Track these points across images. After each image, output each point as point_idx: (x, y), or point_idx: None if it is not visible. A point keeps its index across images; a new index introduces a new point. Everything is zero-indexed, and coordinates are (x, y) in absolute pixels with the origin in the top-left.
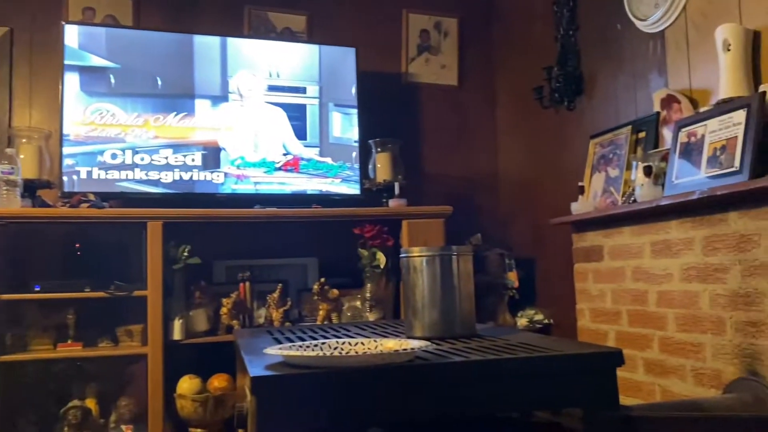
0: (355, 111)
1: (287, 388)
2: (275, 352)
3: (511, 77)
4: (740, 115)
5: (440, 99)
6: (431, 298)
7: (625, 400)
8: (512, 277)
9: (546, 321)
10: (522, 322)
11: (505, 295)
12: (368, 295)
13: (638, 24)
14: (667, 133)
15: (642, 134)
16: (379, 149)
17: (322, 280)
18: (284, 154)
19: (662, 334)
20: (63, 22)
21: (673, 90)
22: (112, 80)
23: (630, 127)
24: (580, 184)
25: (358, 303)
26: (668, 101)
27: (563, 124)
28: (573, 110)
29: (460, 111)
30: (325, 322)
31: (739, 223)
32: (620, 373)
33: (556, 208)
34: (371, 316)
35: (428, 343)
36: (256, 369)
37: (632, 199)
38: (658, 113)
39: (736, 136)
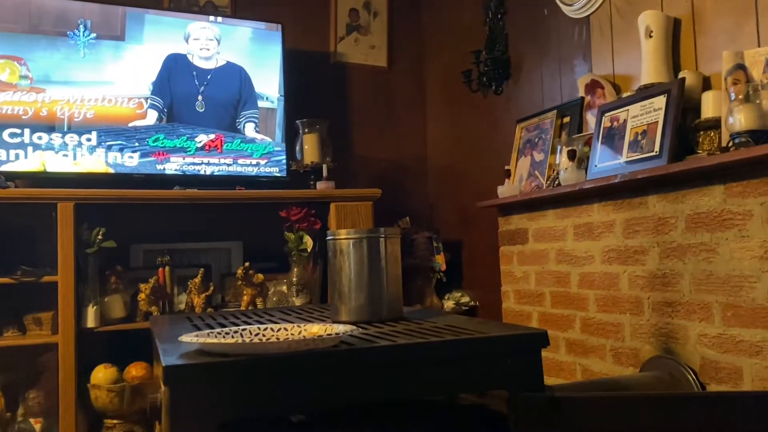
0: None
1: (202, 377)
2: (191, 339)
3: (441, 60)
4: (661, 101)
5: (369, 80)
6: (358, 281)
7: (548, 380)
8: (440, 260)
9: (472, 303)
10: (449, 304)
11: (432, 278)
12: (295, 279)
13: (564, 9)
14: (591, 118)
15: (567, 119)
16: (306, 130)
17: (247, 264)
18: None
19: (584, 315)
20: None
21: (597, 75)
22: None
23: (555, 111)
24: (506, 167)
25: (285, 287)
26: (592, 86)
27: (491, 108)
28: (500, 94)
29: (389, 93)
30: (250, 308)
31: (658, 207)
32: (544, 353)
33: (483, 191)
34: (298, 301)
35: (354, 327)
36: (169, 358)
37: (556, 182)
38: (582, 98)
39: (657, 121)
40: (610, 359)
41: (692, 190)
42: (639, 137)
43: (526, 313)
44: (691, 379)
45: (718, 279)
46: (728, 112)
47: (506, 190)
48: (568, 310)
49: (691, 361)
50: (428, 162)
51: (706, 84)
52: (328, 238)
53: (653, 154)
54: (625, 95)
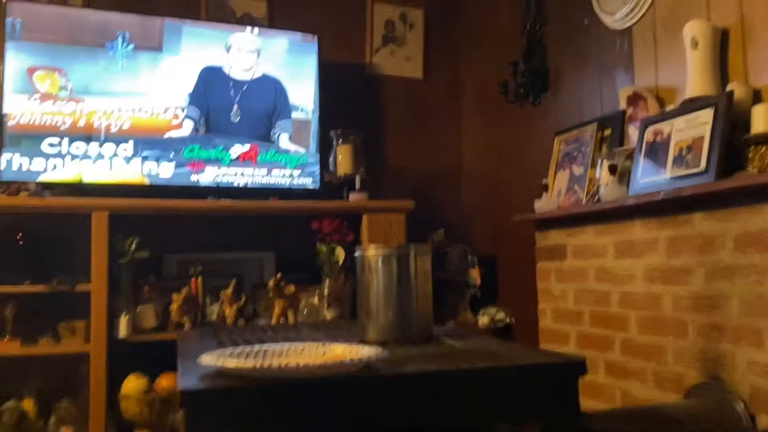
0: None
1: (217, 402)
2: (210, 361)
3: (477, 71)
4: (707, 115)
5: (404, 91)
6: (386, 299)
7: (585, 403)
8: (474, 275)
9: (507, 320)
10: (483, 320)
11: (466, 292)
12: (326, 291)
13: (605, 19)
14: (632, 131)
15: (607, 132)
16: (340, 141)
17: (279, 275)
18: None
19: (624, 336)
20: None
21: (639, 87)
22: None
23: (595, 124)
24: (544, 181)
25: (316, 300)
26: (634, 99)
27: (528, 120)
28: (538, 106)
29: (424, 104)
30: (282, 320)
31: (704, 225)
32: None
33: (519, 205)
34: (329, 314)
35: (380, 349)
36: (187, 380)
37: (596, 198)
38: (623, 111)
39: (703, 136)
40: (652, 384)
41: (742, 208)
42: (684, 152)
43: (563, 333)
44: (739, 409)
45: None
46: None
47: (544, 205)
48: (607, 331)
49: (740, 390)
50: (463, 174)
51: (757, 97)
52: (357, 253)
53: (699, 170)
54: (669, 108)
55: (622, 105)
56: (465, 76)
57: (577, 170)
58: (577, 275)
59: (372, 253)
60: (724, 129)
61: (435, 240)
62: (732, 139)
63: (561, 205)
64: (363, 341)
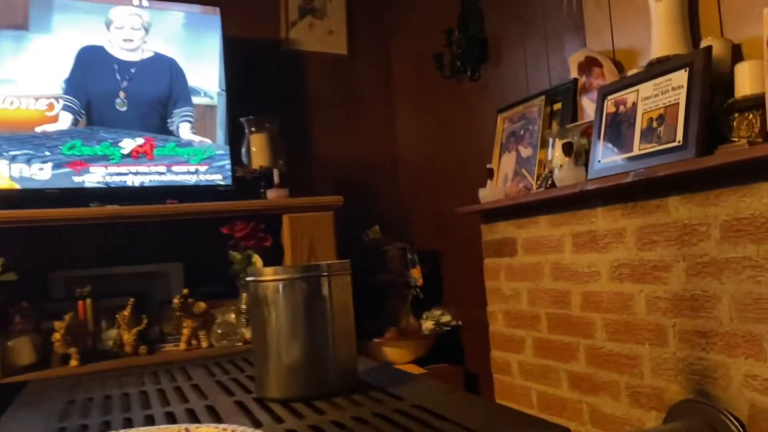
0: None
1: None
2: None
3: (409, 44)
4: (681, 77)
5: (328, 70)
6: (291, 339)
7: (550, 418)
8: (416, 274)
9: (454, 323)
10: (427, 325)
11: (408, 294)
12: (243, 306)
13: None
14: (587, 103)
15: (558, 106)
16: (253, 129)
17: (185, 291)
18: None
19: (589, 343)
20: None
21: (593, 51)
22: None
23: (543, 97)
24: (488, 166)
25: (233, 316)
26: (587, 65)
27: (467, 97)
28: (478, 80)
29: (351, 84)
30: (194, 342)
31: (682, 211)
32: (541, 387)
33: (462, 194)
34: (248, 333)
35: None
36: None
37: (549, 182)
38: (575, 80)
39: (677, 103)
40: (626, 399)
41: (729, 189)
42: (654, 124)
43: (517, 339)
44: (736, 431)
45: None
46: None
47: (489, 194)
48: (569, 337)
49: (736, 408)
50: (399, 162)
51: (737, 54)
52: (248, 278)
53: (675, 144)
54: (630, 73)
55: (574, 74)
56: (396, 50)
57: (525, 152)
58: (531, 273)
59: (269, 277)
60: (703, 93)
61: (370, 237)
62: (713, 105)
63: (508, 192)
64: (260, 399)
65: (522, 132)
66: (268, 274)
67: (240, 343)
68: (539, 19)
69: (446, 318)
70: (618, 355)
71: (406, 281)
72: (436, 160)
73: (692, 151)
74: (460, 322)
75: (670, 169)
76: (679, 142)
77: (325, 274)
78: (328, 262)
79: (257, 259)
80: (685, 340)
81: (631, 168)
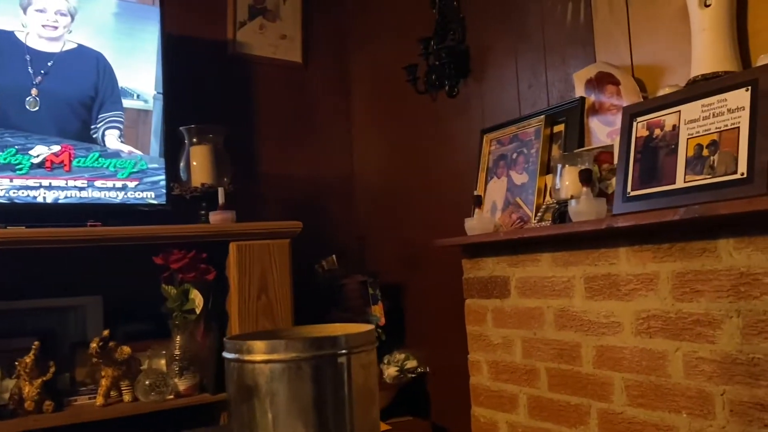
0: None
1: None
2: None
3: (373, 53)
4: (741, 97)
5: (281, 79)
6: None
7: None
8: (377, 312)
9: (420, 369)
10: (390, 372)
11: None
12: (177, 351)
13: None
14: (597, 126)
15: (559, 127)
16: (195, 140)
17: (105, 333)
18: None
19: (604, 407)
20: None
21: (608, 66)
22: None
23: (543, 117)
24: (475, 193)
25: (163, 363)
26: (599, 82)
27: (443, 114)
28: (456, 96)
29: (306, 95)
30: (113, 394)
31: (738, 257)
32: None
33: (435, 222)
34: (182, 384)
35: None
36: None
37: (557, 214)
38: (582, 99)
39: (737, 128)
40: None
41: None
42: (705, 152)
43: (508, 395)
44: None
45: None
46: None
47: (477, 224)
48: (577, 398)
49: None
50: (359, 184)
51: None
52: (228, 354)
53: (737, 177)
54: (662, 92)
55: (579, 92)
56: (357, 60)
57: (519, 178)
58: (528, 319)
59: (263, 355)
60: None
61: (326, 269)
62: None
63: (498, 223)
64: None
65: (515, 155)
66: (261, 351)
67: (171, 397)
68: (535, 30)
69: (411, 363)
70: (644, 423)
71: (366, 320)
72: (404, 184)
73: (762, 186)
74: (427, 369)
75: (734, 208)
76: (742, 174)
77: (344, 351)
78: (348, 333)
79: (196, 295)
80: (739, 413)
81: (676, 203)
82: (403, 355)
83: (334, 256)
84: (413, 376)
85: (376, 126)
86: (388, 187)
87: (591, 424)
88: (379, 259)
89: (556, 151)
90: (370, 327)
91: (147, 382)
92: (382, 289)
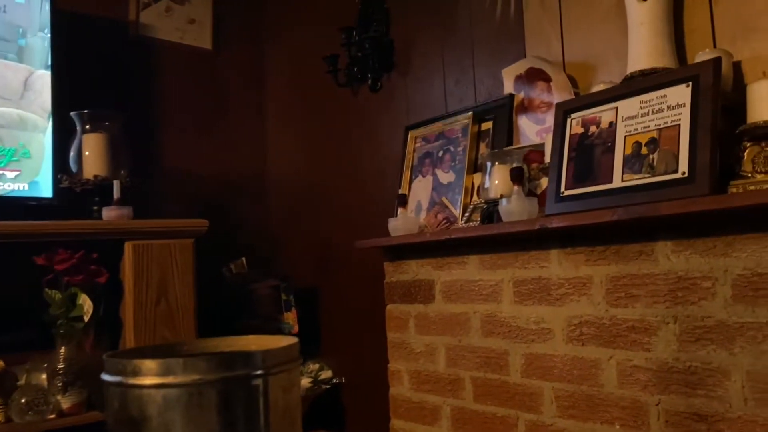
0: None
1: None
2: None
3: (289, 42)
4: (681, 93)
5: (188, 66)
6: None
7: None
8: (290, 319)
9: (336, 380)
10: (303, 383)
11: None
12: (61, 365)
13: None
14: (526, 124)
15: (487, 125)
16: (88, 127)
17: None
18: None
19: (533, 419)
20: None
21: (539, 62)
22: None
23: (470, 114)
24: (400, 191)
25: (44, 377)
26: (530, 79)
27: (365, 109)
28: (379, 90)
29: (215, 84)
30: None
31: (676, 260)
32: None
33: (353, 223)
34: (66, 402)
35: None
36: None
37: (485, 214)
38: (511, 96)
39: (677, 125)
40: None
41: (747, 237)
42: (644, 150)
43: (430, 407)
44: None
45: None
46: None
47: (402, 225)
48: (504, 409)
49: None
50: (271, 182)
51: (737, 72)
52: (109, 377)
53: (678, 176)
54: (596, 88)
55: (508, 89)
56: (274, 48)
57: (445, 177)
58: (453, 325)
59: (153, 379)
60: (714, 114)
61: (234, 272)
62: (725, 130)
63: (424, 223)
64: None
65: (441, 153)
66: (152, 372)
67: (53, 416)
68: (464, 24)
69: (326, 374)
70: None
71: (278, 328)
72: (322, 183)
73: (704, 186)
74: (343, 380)
75: (676, 209)
76: (683, 173)
77: (260, 372)
78: (265, 348)
79: (85, 300)
80: (674, 424)
81: (613, 203)
82: (317, 365)
83: (243, 258)
84: (328, 387)
85: (293, 120)
86: (305, 185)
87: None
88: (293, 263)
89: (483, 149)
90: (293, 340)
91: (23, 400)
92: (296, 294)
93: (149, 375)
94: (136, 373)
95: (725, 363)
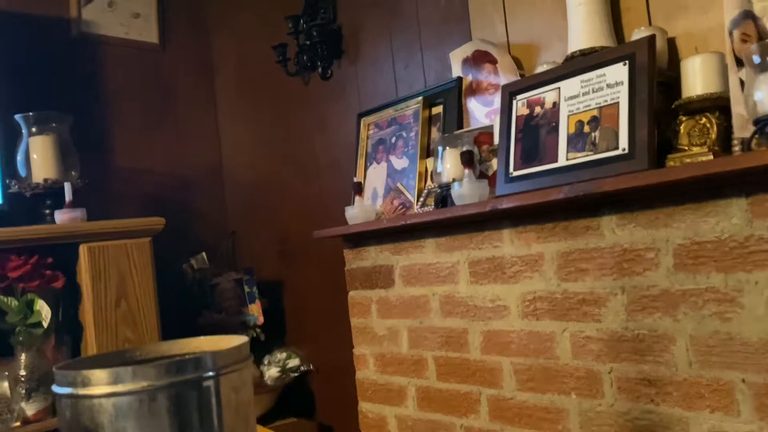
0: None
1: None
2: None
3: (238, 32)
4: (619, 72)
5: (135, 62)
6: None
7: None
8: (254, 311)
9: (304, 368)
10: (271, 372)
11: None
12: (23, 372)
13: None
14: (475, 106)
15: (437, 109)
16: (35, 130)
17: None
18: None
19: (494, 394)
20: None
21: (485, 44)
22: None
23: (420, 99)
24: (355, 179)
25: (6, 386)
26: (476, 61)
27: (317, 98)
28: (329, 78)
29: (164, 79)
30: None
31: (620, 233)
32: None
33: (311, 212)
34: (31, 408)
35: None
36: None
37: (439, 198)
38: (459, 78)
39: (616, 103)
40: None
41: (685, 208)
42: (586, 128)
43: (396, 388)
44: None
45: (743, 346)
46: (749, 86)
47: (359, 212)
48: (467, 386)
49: None
50: (227, 176)
51: (672, 48)
52: (59, 389)
53: (619, 152)
54: (540, 69)
55: (456, 72)
56: (222, 40)
57: (399, 163)
58: (413, 308)
59: (105, 389)
60: (650, 91)
61: (195, 268)
62: (661, 107)
63: (381, 210)
64: None
65: (393, 140)
66: (102, 382)
67: (17, 424)
68: (409, 8)
69: (294, 362)
70: (534, 407)
71: (243, 321)
72: (278, 174)
73: (644, 161)
74: (311, 367)
75: (618, 184)
76: (624, 150)
77: (211, 373)
78: (214, 350)
79: (42, 306)
80: (626, 390)
81: (559, 182)
82: (284, 354)
83: (203, 254)
84: (296, 375)
85: (245, 111)
86: (261, 177)
87: (482, 412)
88: (254, 255)
89: (435, 133)
90: (243, 339)
91: None
92: (259, 286)
93: (99, 384)
94: (85, 383)
95: (670, 329)
